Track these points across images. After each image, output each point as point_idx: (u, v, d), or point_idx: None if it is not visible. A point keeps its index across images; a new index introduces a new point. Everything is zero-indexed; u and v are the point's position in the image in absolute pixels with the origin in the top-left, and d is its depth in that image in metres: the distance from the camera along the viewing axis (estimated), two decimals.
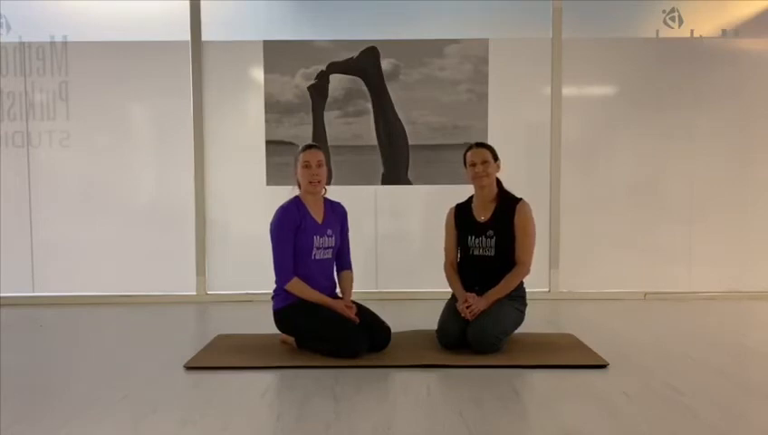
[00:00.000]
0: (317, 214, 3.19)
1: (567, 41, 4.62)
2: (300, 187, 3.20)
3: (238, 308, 4.42)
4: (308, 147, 3.18)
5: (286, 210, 3.14)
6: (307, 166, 3.13)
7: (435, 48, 4.63)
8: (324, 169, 3.17)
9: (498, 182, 3.31)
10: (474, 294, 3.17)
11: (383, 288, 4.68)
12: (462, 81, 4.64)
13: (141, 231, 4.69)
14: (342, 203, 3.35)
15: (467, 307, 3.11)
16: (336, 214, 3.28)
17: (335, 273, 3.30)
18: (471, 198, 3.37)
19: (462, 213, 3.36)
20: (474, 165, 3.23)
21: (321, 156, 3.16)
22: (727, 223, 4.71)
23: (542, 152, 4.66)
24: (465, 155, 3.29)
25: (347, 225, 3.32)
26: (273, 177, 4.60)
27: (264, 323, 3.42)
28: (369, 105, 4.64)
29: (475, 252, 3.26)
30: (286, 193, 3.25)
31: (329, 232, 3.19)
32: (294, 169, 3.19)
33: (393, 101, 4.64)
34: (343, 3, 4.71)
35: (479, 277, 3.23)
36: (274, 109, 4.64)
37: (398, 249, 4.75)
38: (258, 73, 4.65)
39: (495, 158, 3.27)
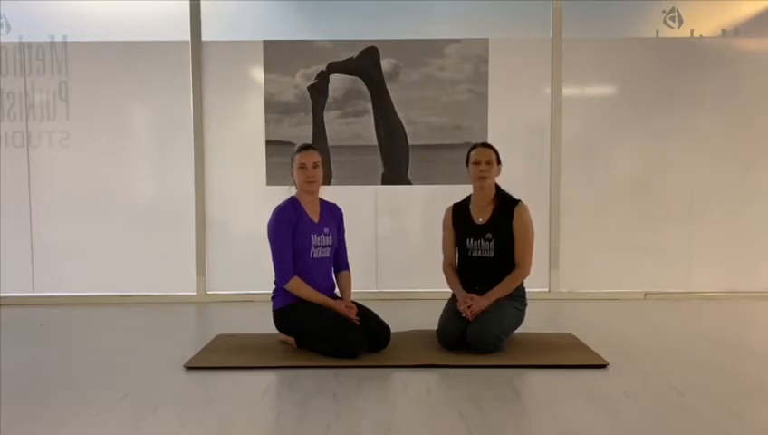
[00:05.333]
0: (313, 213, 3.20)
1: (567, 41, 4.61)
2: (296, 186, 3.21)
3: (238, 308, 4.42)
4: (303, 148, 3.21)
5: (283, 209, 3.16)
6: (303, 167, 3.15)
7: (435, 48, 4.63)
8: (320, 170, 3.20)
9: (496, 185, 3.31)
10: (474, 295, 3.17)
11: (383, 288, 4.67)
12: (462, 81, 4.63)
13: (141, 231, 4.69)
14: (342, 203, 3.38)
15: (468, 307, 3.11)
16: (332, 214, 3.30)
17: (333, 274, 3.31)
18: (468, 198, 3.37)
19: (460, 214, 3.35)
20: (478, 163, 3.23)
21: (316, 157, 3.18)
22: (727, 223, 4.70)
23: (542, 152, 4.66)
24: (468, 153, 3.29)
25: (343, 226, 3.34)
26: (273, 177, 4.59)
27: (264, 323, 3.42)
28: (369, 105, 4.64)
29: (474, 254, 3.26)
30: (285, 193, 3.26)
31: (326, 230, 3.20)
32: (290, 169, 3.22)
33: (393, 101, 4.64)
34: (343, 3, 4.71)
35: (479, 278, 3.23)
36: (274, 109, 4.64)
37: (398, 249, 4.75)
38: (258, 73, 4.64)
39: (498, 160, 3.27)
